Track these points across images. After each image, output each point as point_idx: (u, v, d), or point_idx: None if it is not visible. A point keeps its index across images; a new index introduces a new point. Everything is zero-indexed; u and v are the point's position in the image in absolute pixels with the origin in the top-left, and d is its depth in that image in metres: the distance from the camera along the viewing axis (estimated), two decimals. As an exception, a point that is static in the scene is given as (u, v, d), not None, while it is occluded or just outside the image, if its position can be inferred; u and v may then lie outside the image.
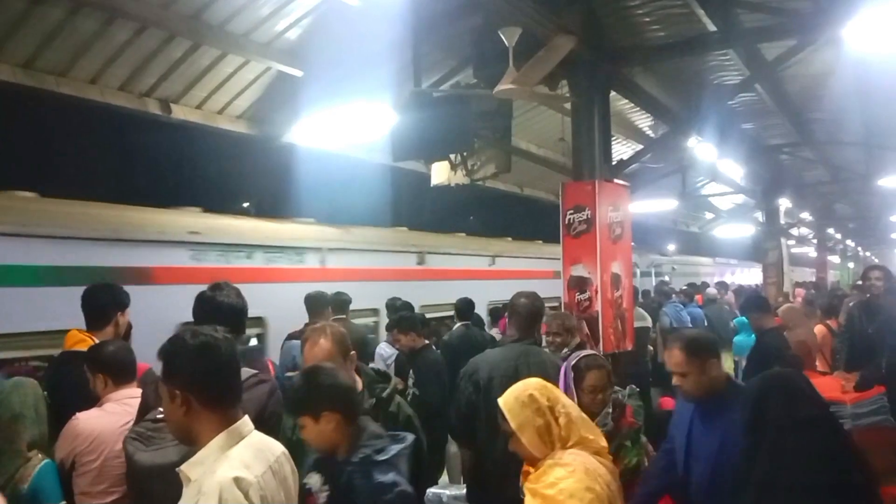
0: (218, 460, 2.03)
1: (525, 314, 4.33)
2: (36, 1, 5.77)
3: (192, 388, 2.06)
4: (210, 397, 2.08)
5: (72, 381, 3.51)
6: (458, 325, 7.47)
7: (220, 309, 3.21)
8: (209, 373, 2.09)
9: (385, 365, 6.70)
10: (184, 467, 2.05)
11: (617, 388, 3.85)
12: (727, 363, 11.08)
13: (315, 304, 6.33)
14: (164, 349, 2.13)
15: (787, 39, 7.20)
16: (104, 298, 3.88)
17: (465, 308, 7.61)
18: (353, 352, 3.16)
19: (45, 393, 3.42)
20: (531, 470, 2.70)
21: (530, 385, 2.81)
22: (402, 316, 6.72)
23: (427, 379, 6.11)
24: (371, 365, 6.73)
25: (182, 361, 2.08)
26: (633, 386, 4.09)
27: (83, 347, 3.63)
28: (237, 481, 1.96)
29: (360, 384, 3.17)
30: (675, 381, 3.26)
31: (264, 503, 2.03)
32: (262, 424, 2.49)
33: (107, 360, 3.40)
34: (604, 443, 2.81)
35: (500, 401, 2.78)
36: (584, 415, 2.87)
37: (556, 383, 3.96)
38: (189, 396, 2.05)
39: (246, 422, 2.17)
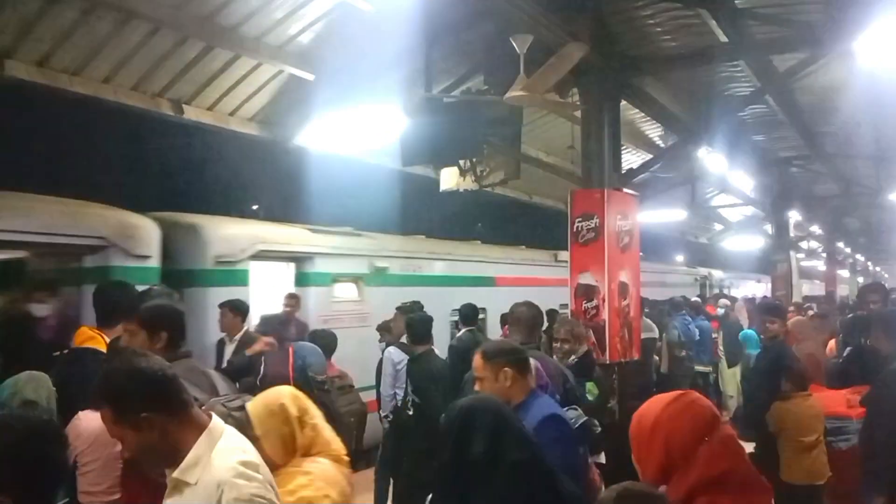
0: (213, 455, 2.02)
1: (526, 320, 4.37)
2: (51, 0, 5.83)
3: (153, 404, 2.00)
4: (172, 404, 2.04)
5: (79, 379, 3.51)
6: (464, 329, 7.48)
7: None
8: (157, 382, 2.04)
9: (395, 370, 6.70)
10: (177, 474, 2.01)
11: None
12: (737, 377, 11.05)
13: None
14: (107, 390, 2.04)
15: (799, 52, 7.20)
16: (115, 296, 3.89)
17: (470, 313, 7.64)
18: None
19: (54, 389, 3.43)
20: None
21: (283, 394, 2.74)
22: (418, 322, 6.62)
23: (423, 386, 6.11)
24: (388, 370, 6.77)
25: (130, 387, 2.01)
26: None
27: (93, 345, 3.64)
28: (245, 464, 2.00)
29: None
30: (475, 386, 3.25)
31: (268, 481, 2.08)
32: None
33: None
34: (342, 450, 2.76)
35: (248, 406, 2.68)
36: (327, 424, 2.80)
37: (557, 386, 3.97)
38: (154, 416, 1.99)
39: (217, 420, 2.17)
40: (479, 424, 2.61)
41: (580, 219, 6.69)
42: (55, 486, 1.81)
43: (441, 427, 2.75)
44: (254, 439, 2.58)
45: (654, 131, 12.31)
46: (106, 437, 3.13)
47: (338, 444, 2.76)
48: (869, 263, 38.77)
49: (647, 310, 10.20)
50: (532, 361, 3.52)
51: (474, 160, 7.42)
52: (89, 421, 3.19)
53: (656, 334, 10.18)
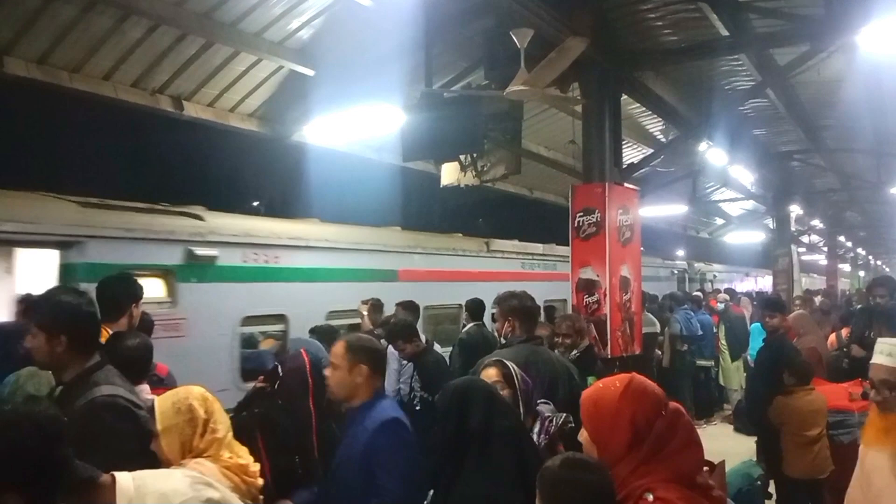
0: (142, 493, 1.92)
1: (522, 312, 4.34)
2: (51, -3, 5.83)
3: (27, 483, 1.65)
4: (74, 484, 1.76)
5: None
6: (472, 324, 7.50)
7: None
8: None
9: (400, 365, 6.69)
10: None
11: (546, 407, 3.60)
12: (741, 371, 11.06)
13: None
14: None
15: (800, 45, 7.19)
16: (118, 290, 3.89)
17: (476, 308, 7.66)
18: None
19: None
20: None
21: (193, 394, 2.68)
22: (399, 325, 6.61)
23: (433, 380, 6.11)
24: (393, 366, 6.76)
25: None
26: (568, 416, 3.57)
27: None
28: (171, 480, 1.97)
29: None
30: (328, 371, 3.29)
31: None
32: None
33: (121, 355, 3.38)
34: (246, 462, 2.71)
35: (156, 400, 2.63)
36: (231, 436, 2.75)
37: (563, 383, 3.96)
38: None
39: (120, 473, 1.96)
40: (474, 400, 2.91)
41: (581, 213, 6.69)
42: (61, 483, 1.79)
43: (439, 405, 3.02)
44: (153, 435, 2.58)
45: (654, 126, 12.29)
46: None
47: (234, 452, 2.68)
48: (870, 258, 38.78)
49: (647, 304, 10.20)
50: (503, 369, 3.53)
51: (475, 155, 7.41)
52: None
53: (658, 328, 10.17)
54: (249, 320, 6.90)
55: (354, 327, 7.10)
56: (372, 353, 3.30)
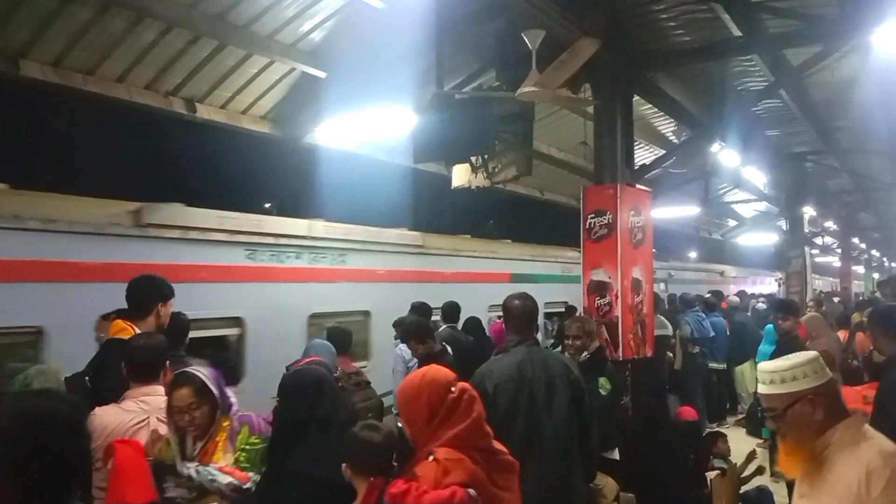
0: None
1: (520, 315, 4.24)
2: (65, 0, 5.87)
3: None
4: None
5: (109, 370, 3.54)
6: (444, 327, 7.49)
7: None
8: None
9: (406, 367, 6.68)
10: None
11: None
12: (745, 375, 11.00)
13: None
14: None
15: (813, 45, 7.14)
16: (146, 289, 3.93)
17: (451, 311, 7.67)
18: None
19: (87, 379, 3.48)
20: None
21: None
22: (414, 325, 6.53)
23: None
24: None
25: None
26: None
27: (125, 336, 3.66)
28: None
29: None
30: None
31: None
32: None
33: (130, 355, 3.41)
34: None
35: None
36: None
37: (562, 380, 3.95)
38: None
39: None
40: (325, 392, 3.33)
41: (593, 215, 6.66)
42: (78, 478, 1.79)
43: (292, 387, 3.34)
44: None
45: (666, 127, 12.25)
46: (116, 433, 3.17)
47: None
48: (884, 259, 38.44)
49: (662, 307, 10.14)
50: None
51: (486, 157, 7.39)
52: (102, 417, 3.21)
53: (670, 331, 10.11)
54: None
55: None
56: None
